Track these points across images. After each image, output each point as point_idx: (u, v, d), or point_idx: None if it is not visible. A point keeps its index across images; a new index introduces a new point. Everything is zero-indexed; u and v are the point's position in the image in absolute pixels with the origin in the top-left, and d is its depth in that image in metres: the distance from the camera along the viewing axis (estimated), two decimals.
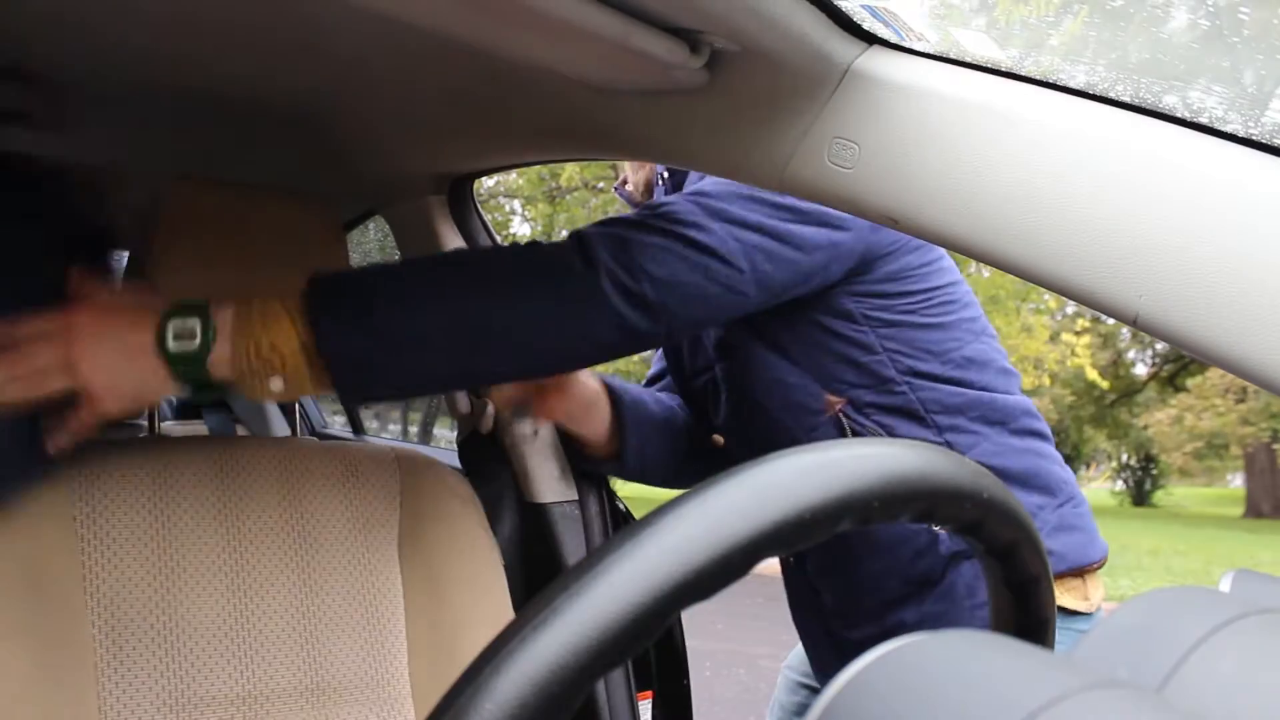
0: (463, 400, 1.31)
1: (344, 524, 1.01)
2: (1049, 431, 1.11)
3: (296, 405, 1.10)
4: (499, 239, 1.33)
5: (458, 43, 0.72)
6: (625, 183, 1.26)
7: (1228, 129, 0.57)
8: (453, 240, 1.27)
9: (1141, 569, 8.53)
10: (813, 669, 1.25)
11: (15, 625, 0.80)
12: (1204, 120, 0.58)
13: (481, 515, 1.11)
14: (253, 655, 0.92)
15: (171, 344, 0.77)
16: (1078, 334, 12.33)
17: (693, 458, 1.24)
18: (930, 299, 1.04)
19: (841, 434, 1.03)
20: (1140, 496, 20.91)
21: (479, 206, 1.32)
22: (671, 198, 0.90)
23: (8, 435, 0.77)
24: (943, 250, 1.07)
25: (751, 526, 0.30)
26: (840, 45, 0.69)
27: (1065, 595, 1.04)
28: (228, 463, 0.97)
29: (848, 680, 0.27)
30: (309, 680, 0.94)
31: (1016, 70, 0.65)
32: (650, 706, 1.28)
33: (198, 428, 2.50)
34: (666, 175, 1.17)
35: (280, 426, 2.43)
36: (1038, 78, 0.64)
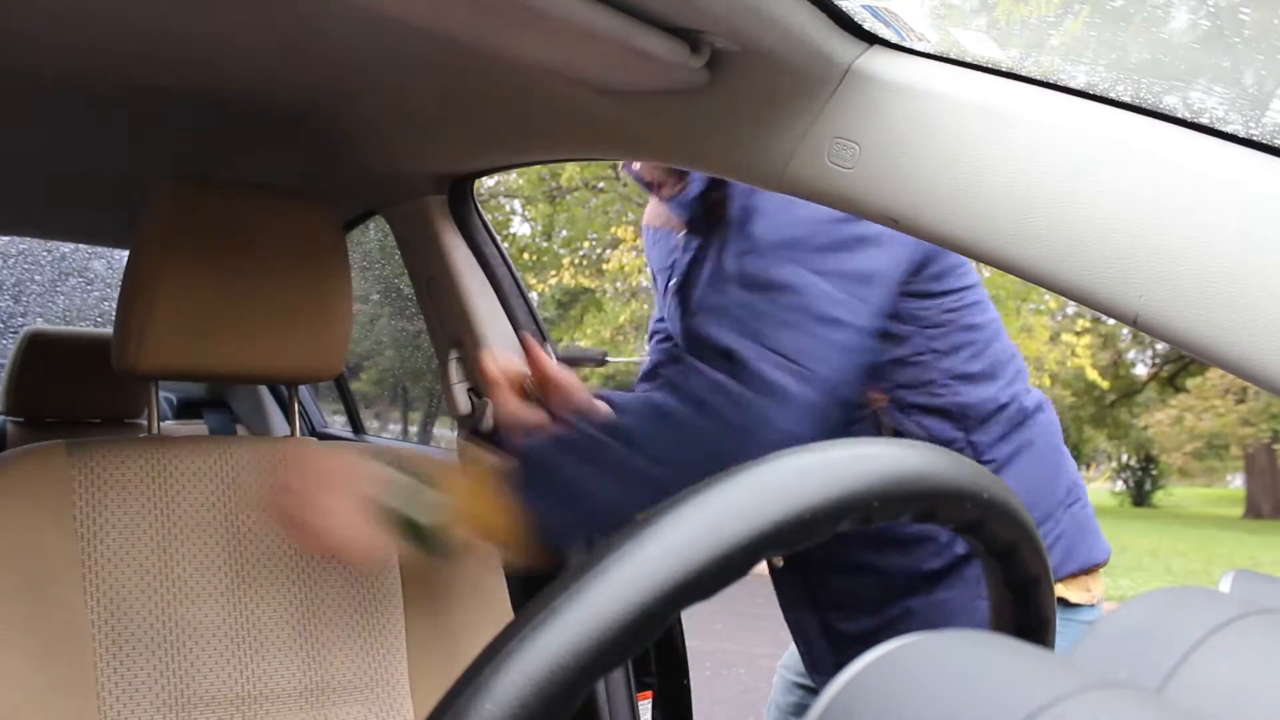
0: (463, 400, 1.31)
1: None
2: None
3: (296, 405, 1.10)
4: (499, 239, 1.33)
5: (458, 43, 0.73)
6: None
7: (1228, 129, 0.57)
8: (453, 240, 1.27)
9: (1141, 569, 8.53)
10: (805, 666, 1.24)
11: (15, 625, 0.80)
12: (1204, 120, 0.58)
13: None
14: (252, 655, 0.92)
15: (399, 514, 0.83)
16: (1078, 334, 12.32)
17: None
18: (964, 298, 1.04)
19: (877, 432, 1.03)
20: (1140, 497, 20.91)
21: (479, 206, 1.32)
22: (783, 270, 0.88)
23: None
24: None
25: (752, 526, 0.30)
26: (840, 45, 0.69)
27: (1071, 591, 1.05)
28: (228, 463, 0.97)
29: (848, 680, 0.27)
30: (308, 680, 0.94)
31: (1017, 70, 0.65)
32: (650, 706, 1.28)
33: (198, 428, 2.50)
34: None
35: (280, 426, 2.43)
36: (1038, 78, 0.64)
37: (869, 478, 0.33)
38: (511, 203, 12.98)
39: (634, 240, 11.55)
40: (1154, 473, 21.11)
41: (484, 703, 0.26)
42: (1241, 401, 15.37)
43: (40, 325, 2.11)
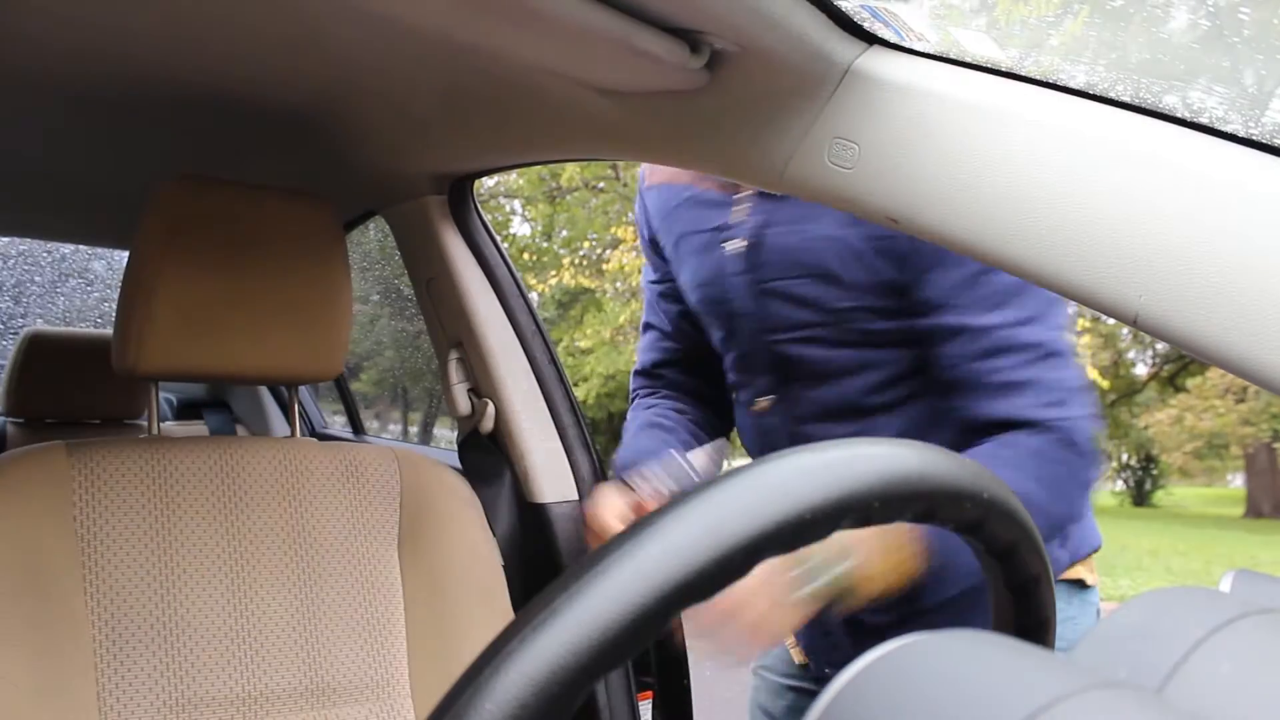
0: (463, 401, 1.31)
1: (344, 524, 1.01)
2: None
3: (296, 405, 1.10)
4: (499, 239, 1.33)
5: (458, 43, 0.73)
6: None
7: (1228, 129, 0.57)
8: (453, 240, 1.27)
9: (1141, 569, 8.52)
10: (815, 663, 1.22)
11: (15, 625, 0.80)
12: (1204, 120, 0.58)
13: (481, 515, 1.11)
14: (252, 656, 0.92)
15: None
16: (1078, 334, 12.31)
17: None
18: None
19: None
20: (1140, 496, 20.90)
21: (479, 207, 1.32)
22: (1017, 331, 0.93)
23: None
24: None
25: (752, 527, 0.30)
26: (840, 45, 0.69)
27: (1086, 573, 1.10)
28: (228, 463, 0.97)
29: (848, 680, 0.27)
30: (309, 681, 0.94)
31: (1016, 70, 0.65)
32: (650, 707, 1.28)
33: (198, 428, 2.50)
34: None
35: (280, 427, 2.43)
36: (1038, 78, 0.64)
37: (869, 478, 0.33)
38: (511, 203, 12.99)
39: (634, 240, 11.54)
40: (1154, 472, 21.11)
41: (484, 703, 0.26)
42: (1241, 401, 15.36)
43: (40, 326, 2.11)
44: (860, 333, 1.02)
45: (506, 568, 1.12)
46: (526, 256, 12.48)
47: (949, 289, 0.95)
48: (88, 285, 2.97)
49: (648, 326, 1.29)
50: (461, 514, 1.07)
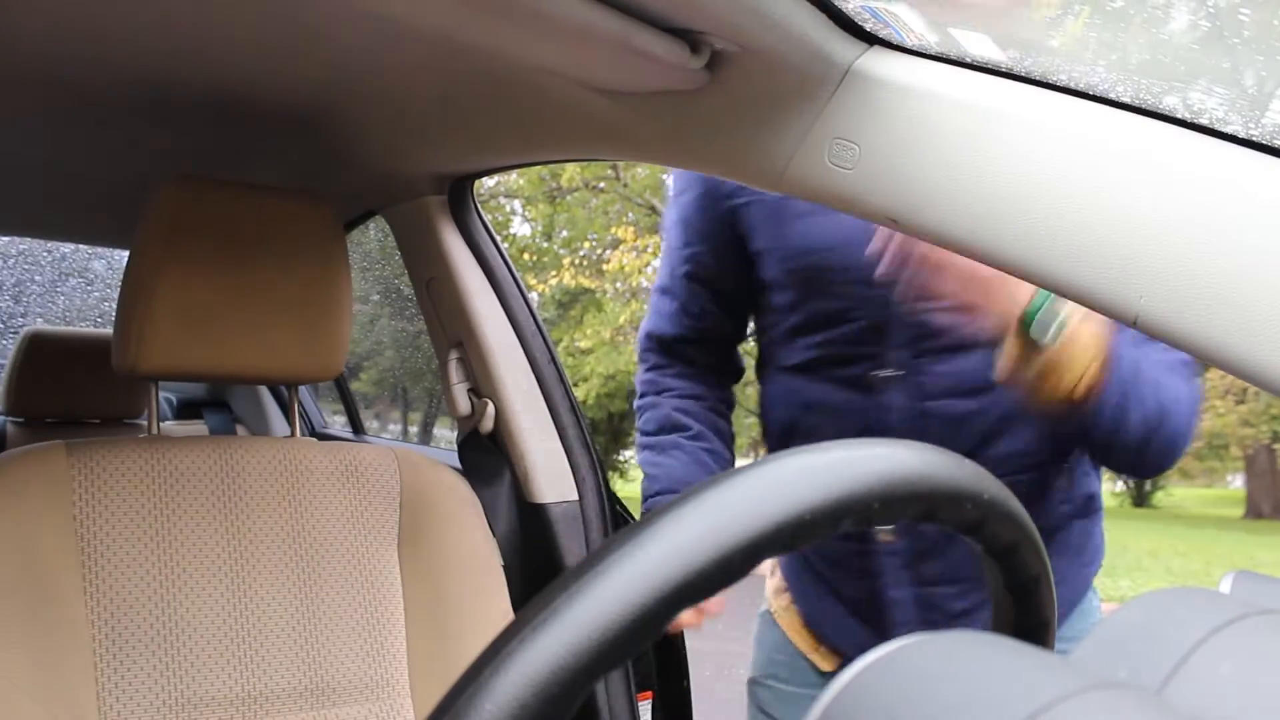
0: (463, 401, 1.31)
1: (344, 524, 1.01)
2: None
3: (296, 405, 1.10)
4: (499, 239, 1.33)
5: (458, 43, 0.73)
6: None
7: (1228, 130, 0.57)
8: (453, 240, 1.27)
9: (1141, 570, 8.52)
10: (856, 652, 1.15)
11: (15, 625, 0.80)
12: (1204, 121, 0.58)
13: (481, 515, 1.11)
14: (252, 656, 0.92)
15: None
16: None
17: None
18: None
19: None
20: (1140, 497, 20.90)
21: (479, 207, 1.32)
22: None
23: None
24: None
25: (752, 527, 0.30)
26: (840, 46, 0.69)
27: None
28: (228, 463, 0.97)
29: (848, 681, 0.27)
30: (309, 681, 0.94)
31: (1016, 71, 0.65)
32: (650, 707, 1.28)
33: (198, 428, 2.50)
34: None
35: (280, 427, 2.43)
36: (1037, 78, 0.64)
37: (869, 478, 0.33)
38: (511, 203, 12.99)
39: (634, 240, 11.55)
40: None
41: (484, 703, 0.26)
42: (1241, 402, 15.35)
43: (40, 326, 2.11)
44: None
45: (506, 568, 1.12)
46: (527, 256, 12.49)
47: None
48: (88, 285, 2.97)
49: (666, 294, 1.23)
50: (461, 514, 1.07)
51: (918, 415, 1.04)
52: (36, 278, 2.87)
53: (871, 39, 0.70)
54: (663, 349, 1.24)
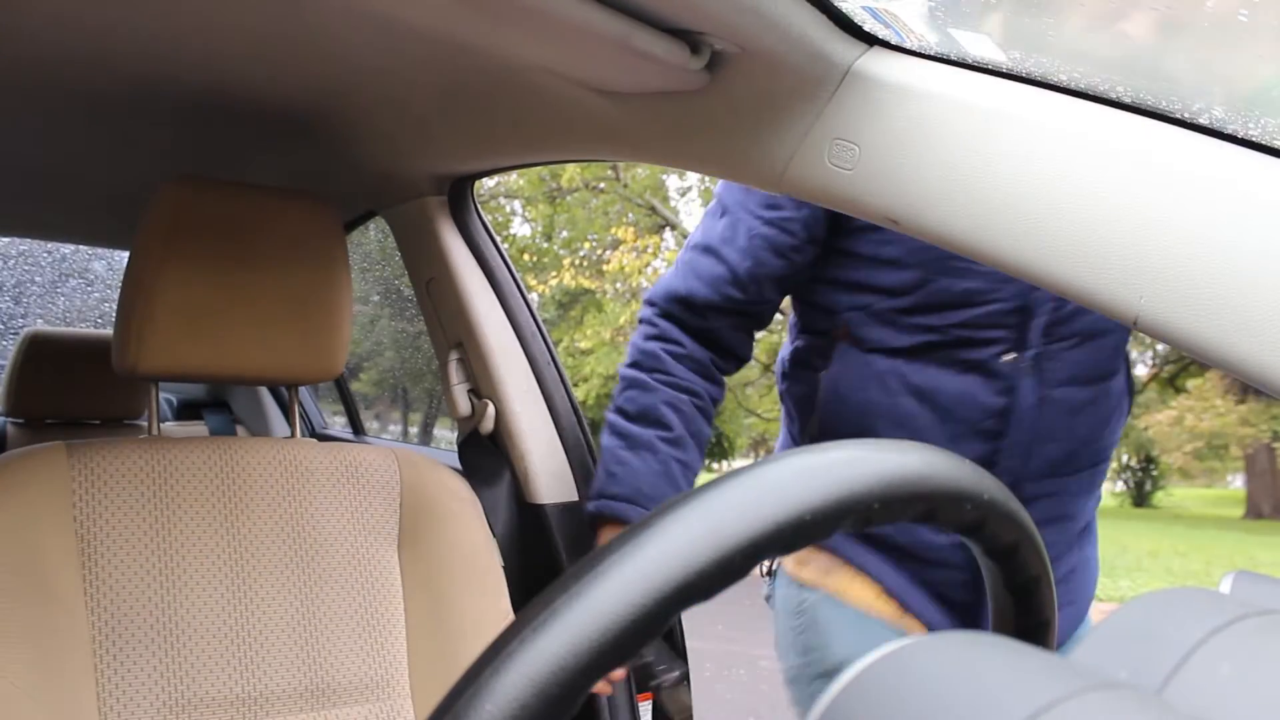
0: (463, 401, 1.31)
1: (344, 524, 1.01)
2: None
3: (296, 406, 1.10)
4: (499, 240, 1.33)
5: (458, 43, 0.73)
6: None
7: (1227, 129, 0.57)
8: (453, 241, 1.27)
9: (1141, 570, 8.52)
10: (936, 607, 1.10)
11: (15, 625, 0.80)
12: (1204, 121, 0.58)
13: (481, 516, 1.11)
14: (252, 656, 0.92)
15: None
16: None
17: None
18: None
19: None
20: (1140, 497, 20.90)
21: (479, 207, 1.32)
22: None
23: None
24: None
25: (752, 527, 0.30)
26: (840, 46, 0.69)
27: None
28: (228, 463, 0.97)
29: (848, 681, 0.27)
30: (309, 681, 0.94)
31: (1016, 71, 0.65)
32: (650, 707, 1.28)
33: (198, 428, 2.50)
34: None
35: (280, 427, 2.43)
36: (1037, 78, 0.64)
37: (869, 479, 0.33)
38: (512, 203, 12.98)
39: (634, 241, 11.55)
40: (1154, 473, 21.11)
41: (484, 703, 0.26)
42: (1241, 402, 15.36)
43: (40, 326, 2.11)
44: None
45: (506, 568, 1.12)
46: (527, 257, 12.49)
47: None
48: (88, 285, 2.97)
49: (710, 254, 1.13)
50: (461, 514, 1.07)
51: (1039, 402, 1.01)
52: (37, 278, 2.87)
53: (871, 40, 0.70)
54: (688, 310, 1.14)
